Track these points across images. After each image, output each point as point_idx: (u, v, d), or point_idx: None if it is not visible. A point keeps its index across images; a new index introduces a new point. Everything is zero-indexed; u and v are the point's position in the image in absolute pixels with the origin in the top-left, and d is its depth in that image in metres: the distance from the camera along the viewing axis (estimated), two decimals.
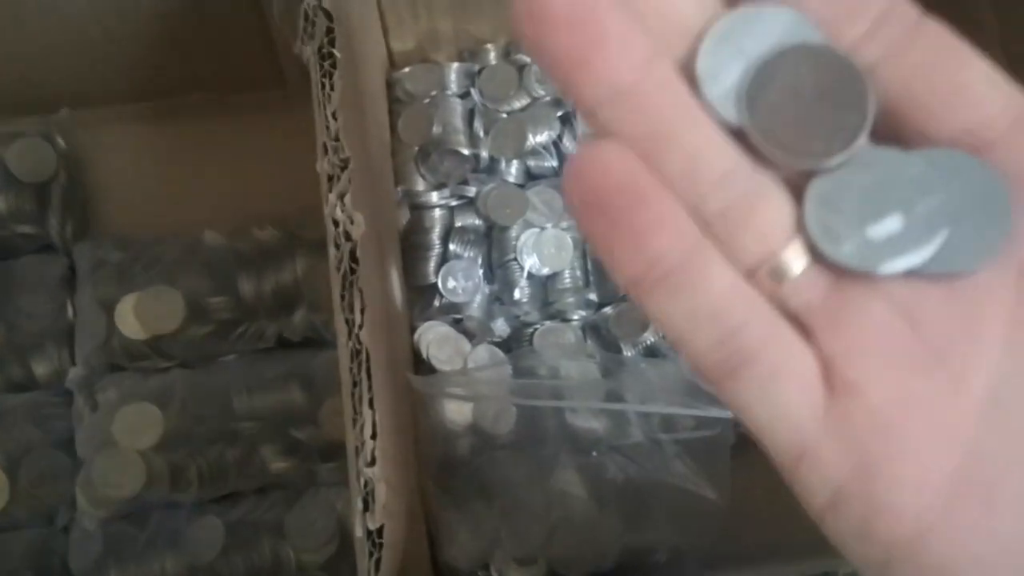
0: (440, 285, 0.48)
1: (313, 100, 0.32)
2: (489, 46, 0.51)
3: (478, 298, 0.48)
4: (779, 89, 0.18)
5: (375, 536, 0.28)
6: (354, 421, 0.29)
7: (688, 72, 0.19)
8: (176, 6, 0.47)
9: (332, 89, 0.31)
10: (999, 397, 0.18)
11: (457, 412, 0.45)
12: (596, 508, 0.44)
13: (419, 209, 0.49)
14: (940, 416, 0.18)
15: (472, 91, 0.50)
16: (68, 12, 0.46)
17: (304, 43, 0.32)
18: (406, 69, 0.51)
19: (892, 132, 0.19)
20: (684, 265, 0.18)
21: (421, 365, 0.47)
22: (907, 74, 0.18)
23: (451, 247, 0.48)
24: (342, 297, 0.30)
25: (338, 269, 0.30)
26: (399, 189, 0.49)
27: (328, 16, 0.32)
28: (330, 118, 0.31)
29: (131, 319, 0.47)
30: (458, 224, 0.49)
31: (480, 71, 0.50)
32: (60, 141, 0.50)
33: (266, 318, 0.48)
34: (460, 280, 0.48)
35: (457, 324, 0.48)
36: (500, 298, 0.48)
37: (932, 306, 0.18)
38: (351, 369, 0.29)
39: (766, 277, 0.19)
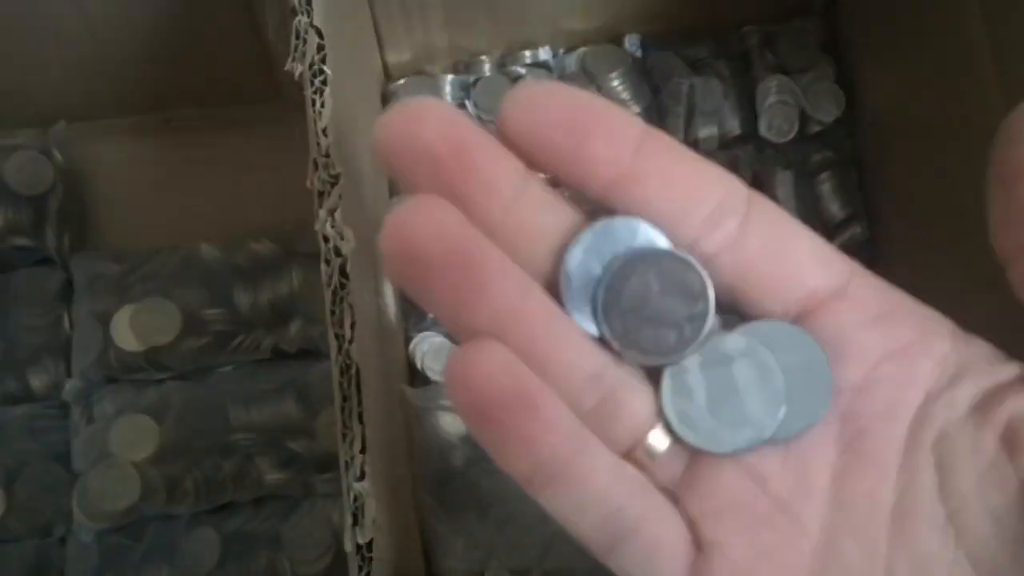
0: None
1: (307, 116, 0.32)
2: (484, 58, 0.51)
3: None
4: (629, 295, 0.20)
5: (364, 550, 0.28)
6: (344, 435, 0.29)
7: (553, 285, 0.21)
8: (171, 20, 0.47)
9: (323, 106, 0.31)
10: (832, 537, 0.20)
11: (451, 423, 0.45)
12: None
13: None
14: (786, 561, 0.20)
15: (467, 103, 0.50)
16: (62, 26, 0.46)
17: (295, 60, 0.32)
18: (401, 81, 0.51)
19: (732, 308, 0.21)
20: (569, 463, 0.20)
21: (416, 376, 0.48)
22: (742, 262, 0.20)
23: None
24: (332, 312, 0.30)
25: (328, 284, 0.30)
26: (394, 200, 0.49)
27: (319, 34, 0.32)
28: (321, 134, 0.31)
29: (127, 331, 0.47)
30: None
31: (475, 83, 0.50)
32: (57, 154, 0.50)
33: (262, 330, 0.48)
34: None
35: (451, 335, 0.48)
36: None
37: (773, 464, 0.21)
38: (341, 384, 0.30)
39: (641, 455, 0.21)
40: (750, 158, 0.50)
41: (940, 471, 0.19)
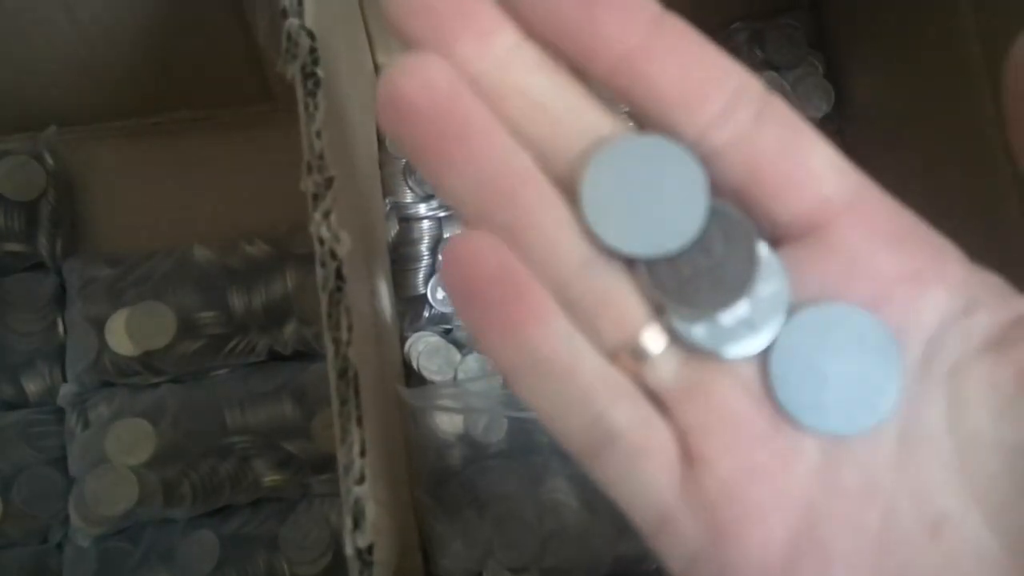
0: (429, 296, 0.48)
1: (299, 119, 0.32)
2: None
3: None
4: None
5: (365, 554, 0.28)
6: (343, 439, 0.29)
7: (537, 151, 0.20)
8: (161, 23, 0.47)
9: (316, 108, 0.31)
10: (831, 462, 0.19)
11: (448, 422, 0.46)
12: (588, 516, 0.44)
13: (407, 221, 0.49)
14: (779, 482, 0.19)
15: None
16: (51, 30, 0.46)
17: (287, 63, 0.32)
18: None
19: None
20: (554, 354, 0.19)
21: (412, 376, 0.48)
22: (753, 158, 0.19)
23: (440, 258, 0.49)
24: (329, 315, 0.30)
25: (324, 288, 0.30)
26: (387, 201, 0.49)
27: (311, 36, 0.32)
28: (314, 137, 0.31)
29: (122, 335, 0.47)
30: (446, 235, 0.49)
31: None
32: (48, 159, 0.50)
33: (257, 332, 0.48)
34: None
35: (447, 334, 0.48)
36: None
37: None
38: (339, 387, 0.29)
39: (628, 358, 0.19)
40: None
41: (952, 404, 0.19)
